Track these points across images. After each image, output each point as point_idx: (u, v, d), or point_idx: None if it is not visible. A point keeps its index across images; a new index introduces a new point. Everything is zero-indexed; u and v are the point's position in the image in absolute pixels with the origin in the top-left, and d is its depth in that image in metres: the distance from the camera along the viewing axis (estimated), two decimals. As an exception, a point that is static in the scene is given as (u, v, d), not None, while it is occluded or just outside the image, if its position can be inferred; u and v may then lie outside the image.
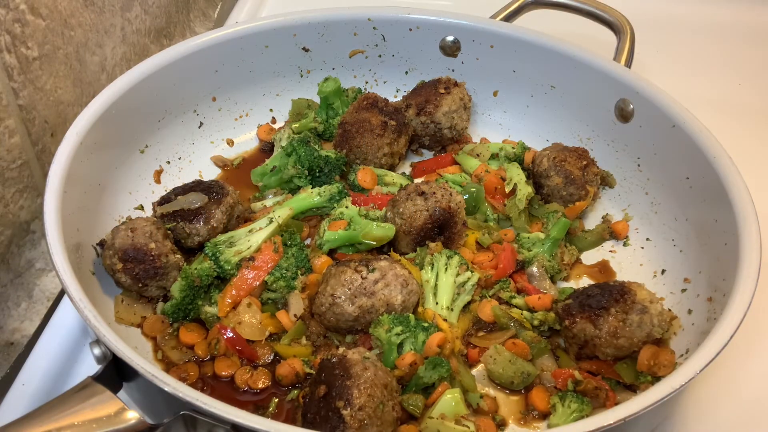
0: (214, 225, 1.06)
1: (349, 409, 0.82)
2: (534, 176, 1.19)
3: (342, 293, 0.96)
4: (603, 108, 1.21)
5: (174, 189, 1.11)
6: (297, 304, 1.00)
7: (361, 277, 0.96)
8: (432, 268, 1.03)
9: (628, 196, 1.20)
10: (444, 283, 1.02)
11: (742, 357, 1.02)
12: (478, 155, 1.24)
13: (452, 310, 1.01)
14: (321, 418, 0.83)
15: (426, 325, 0.95)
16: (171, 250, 1.02)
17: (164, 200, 1.10)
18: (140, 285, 1.00)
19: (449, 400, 0.90)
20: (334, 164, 1.17)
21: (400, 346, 0.94)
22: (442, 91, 1.25)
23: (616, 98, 1.19)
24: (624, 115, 1.19)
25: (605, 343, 0.95)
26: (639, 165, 1.19)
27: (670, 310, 1.01)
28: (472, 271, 1.04)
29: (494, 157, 1.23)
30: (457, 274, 1.03)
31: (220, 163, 1.26)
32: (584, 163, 1.16)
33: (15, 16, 1.05)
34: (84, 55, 1.25)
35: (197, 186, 1.10)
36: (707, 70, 1.53)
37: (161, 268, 0.99)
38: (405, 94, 1.32)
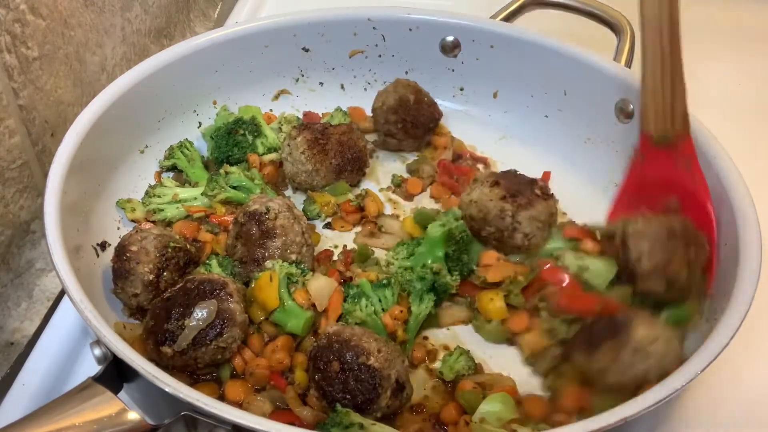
0: (241, 320, 0.91)
1: (372, 357, 0.86)
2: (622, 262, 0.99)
3: None
4: (603, 108, 1.21)
5: (162, 311, 0.91)
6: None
7: None
8: None
9: (628, 196, 1.20)
10: None
11: (742, 357, 1.02)
12: None
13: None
14: (353, 386, 0.86)
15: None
16: (151, 263, 0.97)
17: (166, 336, 0.89)
18: (114, 282, 0.99)
19: (495, 400, 0.88)
20: None
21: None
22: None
23: (616, 98, 1.19)
24: (624, 115, 1.19)
25: (595, 378, 0.90)
26: (639, 165, 1.19)
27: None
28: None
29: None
30: None
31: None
32: (692, 254, 0.95)
33: (15, 16, 1.05)
34: (84, 55, 1.25)
35: (189, 296, 0.92)
36: (707, 70, 1.53)
37: (127, 271, 0.97)
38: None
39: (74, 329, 1.04)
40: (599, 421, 0.76)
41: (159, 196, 1.15)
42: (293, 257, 1.01)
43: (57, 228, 0.91)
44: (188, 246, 1.03)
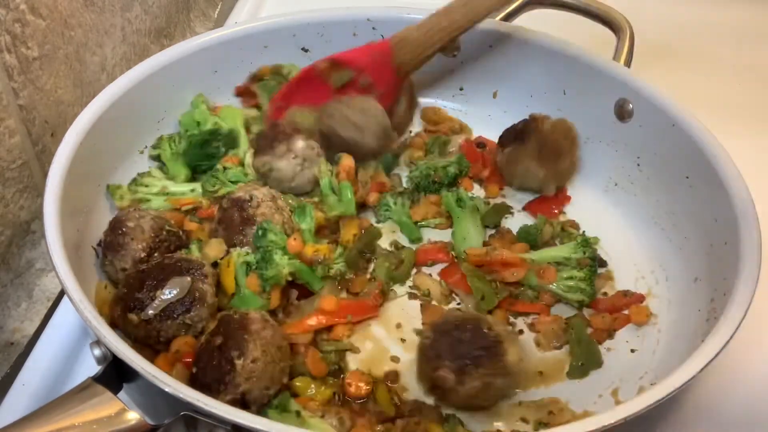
0: (210, 302, 0.93)
1: (242, 359, 0.84)
2: None
3: None
4: (602, 107, 1.21)
5: (136, 282, 0.93)
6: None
7: None
8: None
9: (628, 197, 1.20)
10: None
11: (742, 357, 1.02)
12: None
13: None
14: (212, 367, 0.85)
15: None
16: (144, 242, 0.99)
17: (135, 304, 0.91)
18: (104, 254, 1.00)
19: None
20: None
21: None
22: None
23: (615, 98, 1.19)
24: (624, 114, 1.19)
25: (459, 398, 0.88)
26: (639, 165, 1.19)
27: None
28: None
29: None
30: None
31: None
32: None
33: (15, 16, 1.05)
34: (84, 55, 1.25)
35: (165, 271, 0.94)
36: (707, 70, 1.53)
37: (120, 245, 0.98)
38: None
39: (74, 329, 1.05)
40: (599, 421, 0.76)
41: (146, 186, 1.14)
42: None
43: (57, 228, 0.91)
44: (180, 233, 1.05)
